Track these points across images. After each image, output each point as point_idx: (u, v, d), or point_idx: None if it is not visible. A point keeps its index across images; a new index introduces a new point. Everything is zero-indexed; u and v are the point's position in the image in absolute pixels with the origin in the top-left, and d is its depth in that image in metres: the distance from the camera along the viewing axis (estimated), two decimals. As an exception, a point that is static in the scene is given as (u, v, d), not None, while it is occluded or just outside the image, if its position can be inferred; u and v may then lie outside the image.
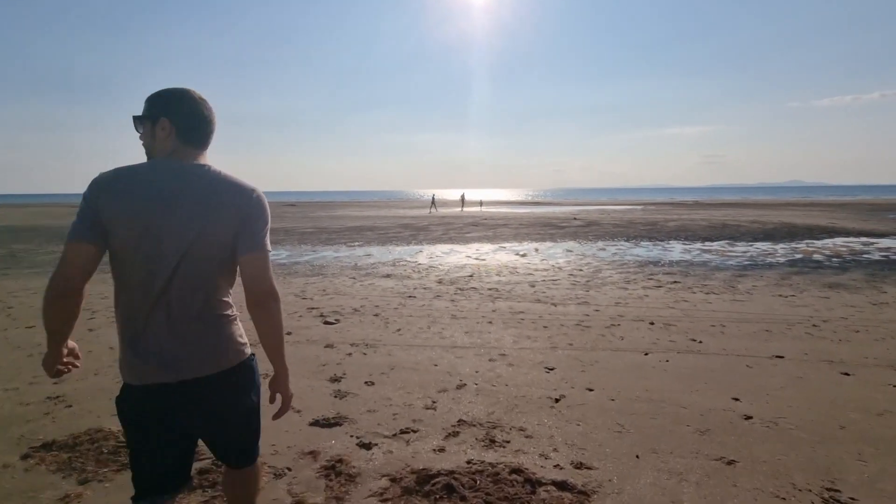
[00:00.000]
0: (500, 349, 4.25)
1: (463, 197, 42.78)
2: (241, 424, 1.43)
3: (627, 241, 13.99)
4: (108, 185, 1.24)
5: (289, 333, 4.61)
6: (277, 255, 11.36)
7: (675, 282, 7.59)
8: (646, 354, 4.09)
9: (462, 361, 3.93)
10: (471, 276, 8.32)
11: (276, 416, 1.45)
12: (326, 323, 5.19)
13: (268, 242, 1.34)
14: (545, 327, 4.99)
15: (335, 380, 3.53)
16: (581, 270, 8.79)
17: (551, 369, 3.74)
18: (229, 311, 1.37)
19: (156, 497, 1.38)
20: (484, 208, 39.13)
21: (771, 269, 8.78)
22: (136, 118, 1.36)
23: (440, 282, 7.74)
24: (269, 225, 1.37)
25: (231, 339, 1.37)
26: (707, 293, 6.70)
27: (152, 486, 1.38)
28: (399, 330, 4.92)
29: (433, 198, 41.68)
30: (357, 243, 13.95)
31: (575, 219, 23.33)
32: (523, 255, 11.03)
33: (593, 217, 25.00)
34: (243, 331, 1.43)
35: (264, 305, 1.31)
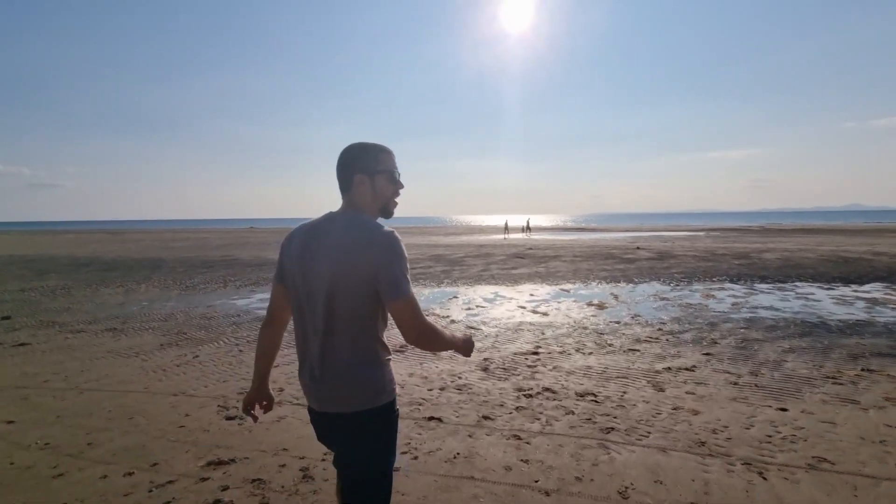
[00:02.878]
0: None
1: (507, 224, 39.79)
2: (356, 471, 1.41)
3: (733, 281, 10.36)
4: None
5: None
6: (229, 304, 8.50)
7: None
8: None
9: None
10: (535, 352, 5.09)
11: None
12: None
13: (407, 286, 1.32)
14: None
15: None
16: (719, 342, 5.39)
17: None
18: (372, 356, 1.39)
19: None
20: (530, 235, 35.69)
21: None
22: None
23: (486, 369, 4.56)
24: (407, 266, 1.36)
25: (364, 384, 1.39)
26: None
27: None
28: None
29: (506, 223, 39.65)
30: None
31: (638, 248, 19.64)
32: (601, 307, 7.68)
33: (658, 246, 21.18)
34: (387, 378, 1.41)
35: (418, 345, 1.37)
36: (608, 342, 5.51)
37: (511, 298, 8.64)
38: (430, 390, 3.98)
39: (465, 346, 1.53)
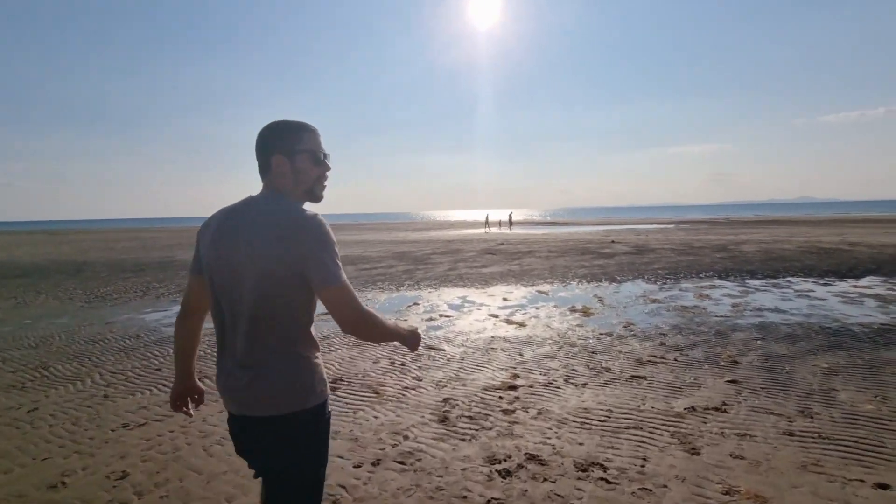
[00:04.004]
0: None
1: (487, 218, 39.34)
2: (285, 480, 1.29)
3: (722, 278, 9.45)
4: None
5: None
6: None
7: None
8: None
9: None
10: (513, 386, 3.83)
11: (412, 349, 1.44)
12: None
13: (338, 271, 1.21)
14: None
15: None
16: (739, 361, 4.27)
17: None
18: (299, 353, 1.28)
19: None
20: (503, 230, 34.61)
21: None
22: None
23: (445, 419, 3.25)
24: (336, 251, 1.25)
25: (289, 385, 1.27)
26: None
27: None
28: None
29: (487, 217, 39.82)
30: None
31: (613, 242, 18.81)
32: (587, 313, 6.52)
33: (633, 239, 20.44)
34: (317, 378, 1.29)
35: (357, 334, 1.25)
36: (604, 365, 4.31)
37: (481, 304, 7.38)
38: (358, 466, 2.64)
39: (410, 338, 1.38)
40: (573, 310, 6.78)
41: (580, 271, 10.79)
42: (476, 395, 3.66)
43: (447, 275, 10.71)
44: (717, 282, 9.05)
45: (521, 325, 5.96)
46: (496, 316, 6.51)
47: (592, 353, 4.72)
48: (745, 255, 13.03)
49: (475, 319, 6.35)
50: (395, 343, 2.38)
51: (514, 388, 3.81)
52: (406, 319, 6.44)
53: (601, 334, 5.41)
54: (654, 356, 4.56)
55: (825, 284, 8.47)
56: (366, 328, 1.23)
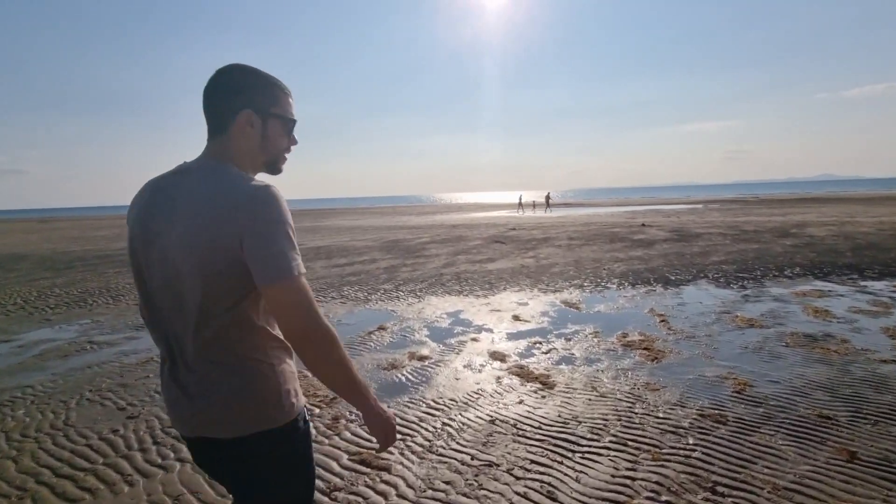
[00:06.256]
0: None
1: (521, 199, 36.50)
2: None
3: (820, 277, 6.75)
4: None
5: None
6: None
7: None
8: None
9: None
10: None
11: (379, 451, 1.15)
12: None
13: (290, 262, 0.90)
14: None
15: None
16: None
17: None
18: (259, 359, 1.00)
19: None
20: (538, 212, 31.74)
21: None
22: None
23: None
24: (291, 234, 0.93)
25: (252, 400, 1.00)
26: None
27: None
28: None
29: (520, 198, 36.89)
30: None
31: (644, 225, 16.03)
32: (650, 351, 3.92)
33: (665, 222, 17.61)
34: (283, 389, 1.01)
35: (304, 352, 0.92)
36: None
37: (481, 329, 4.84)
38: None
39: (379, 422, 1.02)
40: (628, 344, 4.19)
41: (616, 267, 8.15)
42: None
43: (441, 273, 8.14)
44: (819, 283, 6.37)
45: (545, 383, 3.40)
46: (502, 359, 3.95)
47: (713, 487, 2.16)
48: (822, 242, 10.23)
49: (467, 367, 3.81)
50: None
51: None
52: (363, 369, 3.93)
53: (700, 413, 2.84)
54: (842, 490, 1.99)
55: None
56: (320, 344, 0.92)
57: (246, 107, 0.99)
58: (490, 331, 4.80)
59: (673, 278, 7.10)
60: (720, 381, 3.32)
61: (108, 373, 3.95)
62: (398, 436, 2.71)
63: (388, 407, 3.10)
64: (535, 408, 3.02)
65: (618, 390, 3.23)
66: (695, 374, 3.47)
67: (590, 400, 3.10)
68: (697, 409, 2.91)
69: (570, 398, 3.14)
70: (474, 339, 4.52)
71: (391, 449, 2.56)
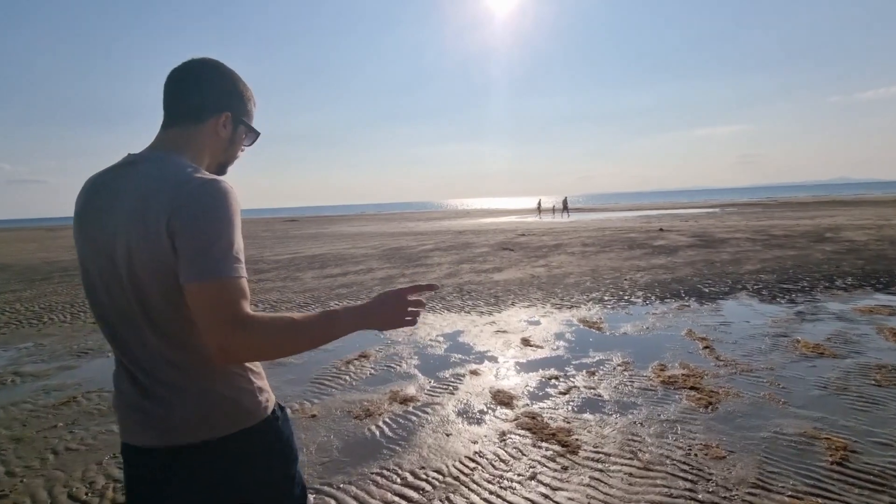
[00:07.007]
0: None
1: (540, 204, 35.33)
2: None
3: (880, 290, 5.79)
4: None
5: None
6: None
7: None
8: None
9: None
10: None
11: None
12: None
13: (224, 264, 0.80)
14: None
15: None
16: None
17: None
18: (212, 368, 0.90)
19: None
20: (556, 217, 30.81)
21: None
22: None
23: None
24: (234, 235, 0.83)
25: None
26: None
27: None
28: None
29: (539, 203, 35.68)
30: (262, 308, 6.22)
31: (662, 230, 15.04)
32: (702, 394, 3.02)
33: (684, 226, 16.58)
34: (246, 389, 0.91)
35: (230, 359, 0.83)
36: None
37: (484, 358, 3.97)
38: None
39: (376, 317, 0.96)
40: (670, 381, 3.29)
41: (638, 277, 7.24)
42: None
43: (441, 285, 7.27)
44: (882, 297, 5.42)
45: (566, 444, 2.51)
46: (508, 403, 3.07)
47: None
48: (866, 247, 9.20)
49: (462, 414, 2.94)
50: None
51: None
52: (314, 415, 3.06)
53: (796, 498, 1.95)
54: None
55: None
56: (244, 355, 0.83)
57: (228, 109, 0.97)
58: (494, 360, 3.93)
59: (707, 291, 6.16)
60: (808, 444, 2.41)
61: (11, 419, 3.15)
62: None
63: (348, 480, 2.24)
64: (553, 488, 2.14)
65: (668, 458, 2.34)
66: (769, 430, 2.57)
67: (630, 475, 2.21)
68: (791, 495, 2.01)
69: (602, 472, 2.25)
70: (474, 373, 3.65)
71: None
